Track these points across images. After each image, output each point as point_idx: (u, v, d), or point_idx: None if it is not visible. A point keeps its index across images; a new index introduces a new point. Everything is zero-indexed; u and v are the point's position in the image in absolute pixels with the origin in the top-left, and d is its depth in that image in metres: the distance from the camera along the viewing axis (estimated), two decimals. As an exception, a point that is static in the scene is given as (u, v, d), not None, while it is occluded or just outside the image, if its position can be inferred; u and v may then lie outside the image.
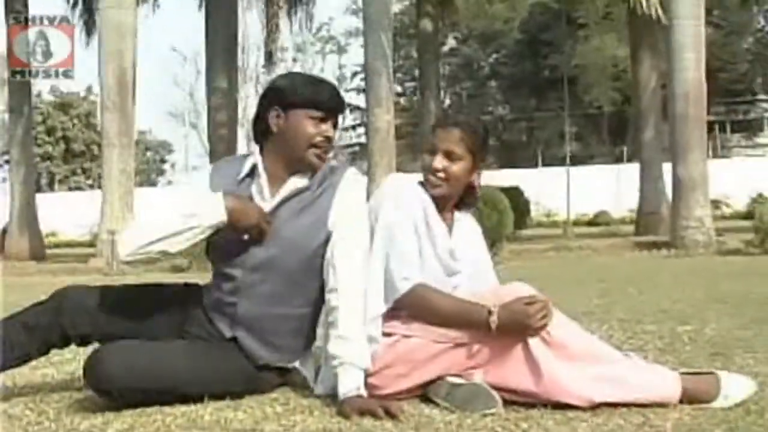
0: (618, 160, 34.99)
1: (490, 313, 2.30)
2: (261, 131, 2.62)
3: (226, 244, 2.50)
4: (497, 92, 48.38)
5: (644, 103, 16.89)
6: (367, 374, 2.35)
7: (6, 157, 29.92)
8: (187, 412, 2.32)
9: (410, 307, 2.43)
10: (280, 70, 44.85)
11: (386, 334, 2.43)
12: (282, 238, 2.49)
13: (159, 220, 2.47)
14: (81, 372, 2.46)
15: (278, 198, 2.54)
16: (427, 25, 18.55)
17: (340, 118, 2.62)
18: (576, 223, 25.99)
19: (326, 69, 43.76)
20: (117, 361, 2.33)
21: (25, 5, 16.60)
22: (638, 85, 17.14)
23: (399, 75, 43.76)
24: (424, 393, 2.44)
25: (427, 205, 2.59)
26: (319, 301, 2.54)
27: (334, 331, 2.38)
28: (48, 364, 3.18)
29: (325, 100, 2.54)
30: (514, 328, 2.29)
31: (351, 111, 45.26)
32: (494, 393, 2.28)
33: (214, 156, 15.61)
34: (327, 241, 2.51)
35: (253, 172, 2.59)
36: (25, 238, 17.38)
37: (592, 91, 38.25)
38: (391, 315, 2.45)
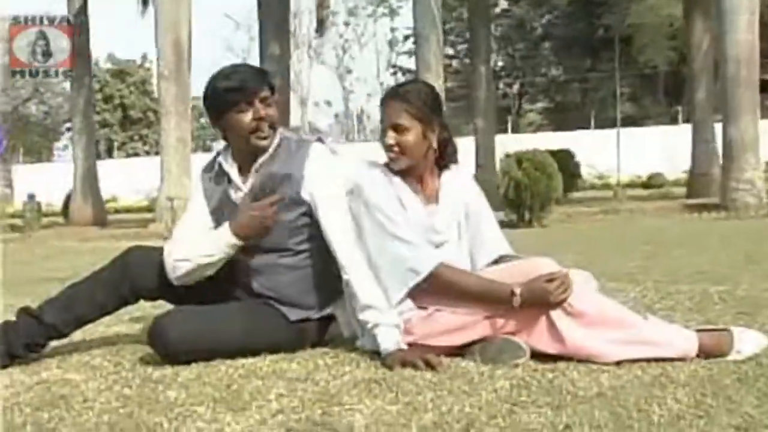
0: (674, 120, 34.52)
1: (513, 294, 2.47)
2: (222, 136, 2.89)
3: None
4: (550, 53, 47.69)
5: (696, 65, 16.68)
6: (410, 343, 2.58)
7: (69, 125, 30.69)
8: (246, 364, 2.59)
9: (436, 287, 2.61)
10: (332, 34, 45.16)
11: (420, 308, 2.64)
12: None
13: (192, 255, 2.77)
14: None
15: (249, 186, 2.81)
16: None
17: (267, 91, 2.77)
18: (630, 185, 25.78)
19: (378, 32, 43.76)
20: (176, 331, 2.63)
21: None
22: (690, 46, 16.92)
23: (451, 37, 43.49)
24: (460, 353, 2.63)
25: (396, 187, 2.74)
26: (318, 255, 2.78)
27: (356, 302, 2.63)
28: (119, 323, 3.48)
29: (241, 90, 2.72)
30: (537, 304, 2.47)
31: (404, 74, 45.25)
32: (523, 344, 2.48)
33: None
34: (305, 209, 2.77)
35: (222, 170, 2.86)
36: (87, 204, 17.93)
37: (647, 51, 37.58)
38: (420, 291, 2.63)
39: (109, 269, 2.84)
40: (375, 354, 2.60)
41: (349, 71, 49.11)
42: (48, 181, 29.58)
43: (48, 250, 10.64)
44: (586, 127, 36.00)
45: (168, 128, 13.12)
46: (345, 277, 2.68)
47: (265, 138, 2.77)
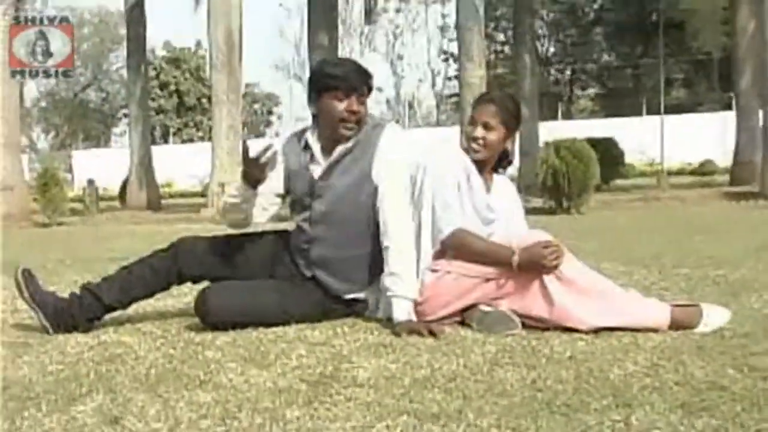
0: (727, 107, 34.17)
1: (513, 253, 2.86)
2: (312, 113, 3.24)
3: (298, 203, 3.18)
4: (602, 39, 47.39)
5: (741, 50, 16.67)
6: (418, 303, 2.96)
7: (126, 111, 31.57)
8: (275, 331, 2.99)
9: (451, 247, 3.03)
10: (383, 21, 45.50)
11: (433, 270, 3.04)
12: (334, 194, 3.14)
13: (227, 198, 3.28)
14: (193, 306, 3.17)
15: (328, 162, 3.17)
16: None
17: (365, 90, 3.13)
18: (680, 173, 25.72)
19: (429, 19, 43.99)
20: (219, 301, 3.05)
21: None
22: (736, 31, 16.91)
23: (503, 23, 43.53)
24: (462, 318, 3.03)
25: (468, 165, 3.16)
26: (376, 242, 3.11)
27: (387, 267, 2.99)
28: (168, 296, 3.90)
29: (344, 80, 3.08)
30: (532, 267, 2.85)
31: (455, 60, 45.41)
32: (516, 318, 2.86)
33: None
34: (374, 191, 3.09)
35: (308, 144, 3.23)
36: (143, 189, 18.64)
37: (700, 37, 37.19)
38: (437, 254, 3.08)
39: (160, 257, 3.26)
40: (387, 322, 2.99)
41: (401, 57, 49.43)
42: (106, 166, 30.48)
43: (105, 233, 11.22)
44: (638, 113, 35.82)
45: (219, 116, 13.62)
46: (385, 243, 3.00)
47: (350, 129, 3.12)
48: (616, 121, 32.05)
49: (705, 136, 30.05)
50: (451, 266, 3.02)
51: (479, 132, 3.16)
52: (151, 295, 3.29)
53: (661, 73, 25.84)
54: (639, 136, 28.32)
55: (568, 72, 49.12)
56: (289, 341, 2.83)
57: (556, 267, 2.83)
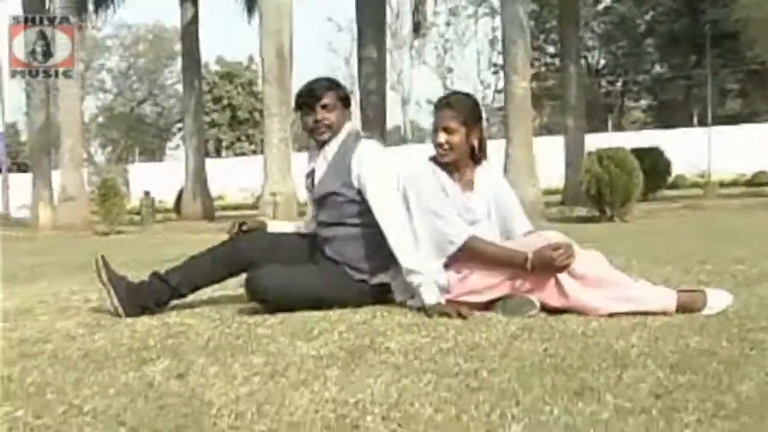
0: (786, 118, 33.73)
1: (526, 258, 3.13)
2: None
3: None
4: (654, 50, 47.12)
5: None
6: (450, 300, 3.27)
7: (180, 125, 32.35)
8: (320, 314, 3.31)
9: (468, 255, 3.30)
10: (432, 34, 45.91)
11: (457, 272, 3.33)
12: (321, 194, 3.60)
13: None
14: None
15: (313, 164, 3.70)
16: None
17: (330, 98, 3.57)
18: (733, 184, 25.49)
19: (479, 32, 44.20)
20: (267, 280, 3.43)
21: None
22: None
23: (553, 36, 43.53)
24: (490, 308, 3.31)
25: (440, 175, 3.44)
26: (372, 228, 3.44)
27: (400, 266, 3.34)
28: (223, 288, 4.24)
29: (307, 95, 3.59)
30: (545, 268, 3.11)
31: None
32: (536, 300, 3.14)
33: (365, 122, 16.66)
34: (355, 191, 3.51)
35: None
36: (197, 200, 19.19)
37: (755, 47, 36.76)
38: (456, 259, 3.33)
39: (222, 248, 3.65)
40: (421, 308, 3.29)
41: (450, 70, 49.71)
42: (161, 178, 31.22)
43: (162, 240, 11.69)
44: (690, 124, 35.60)
45: (271, 129, 14.01)
46: (389, 244, 3.37)
47: (322, 134, 3.58)
48: (665, 133, 31.86)
49: (759, 147, 29.65)
50: (472, 269, 3.30)
51: (442, 137, 3.42)
52: (212, 282, 3.70)
53: (708, 84, 25.68)
54: (689, 148, 28.19)
55: (620, 83, 48.90)
56: (333, 321, 3.16)
57: (567, 267, 3.09)
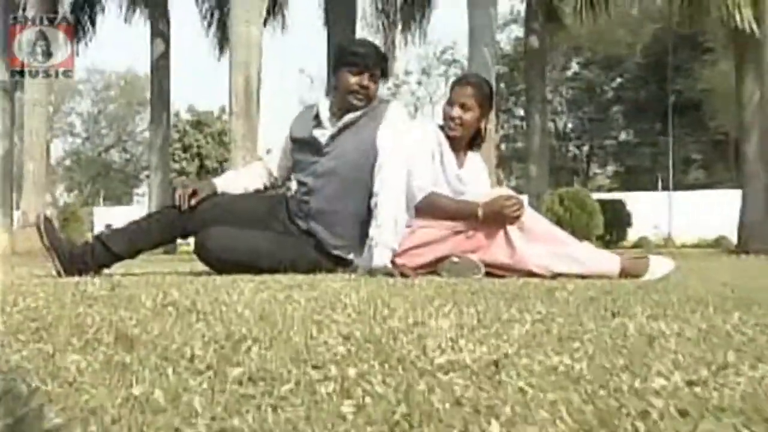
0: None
1: (478, 207, 3.14)
2: (333, 85, 3.63)
3: (302, 161, 3.46)
4: (620, 117, 48.04)
5: (746, 119, 16.85)
6: (396, 254, 3.22)
7: (148, 173, 32.23)
8: (273, 276, 3.22)
9: (425, 208, 3.33)
10: (404, 91, 46.58)
11: (408, 226, 3.33)
12: (341, 154, 3.46)
13: None
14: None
15: (337, 127, 3.53)
16: (533, 41, 18.78)
17: (378, 70, 3.53)
18: (697, 246, 25.77)
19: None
20: (216, 242, 3.36)
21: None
22: (740, 100, 17.15)
23: (523, 98, 44.23)
24: (435, 270, 3.30)
25: (442, 140, 3.49)
26: (367, 204, 3.41)
27: (374, 220, 3.27)
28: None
29: (360, 58, 3.51)
30: (496, 218, 3.11)
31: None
32: (480, 264, 3.13)
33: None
34: (375, 157, 3.40)
35: (318, 112, 3.59)
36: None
37: (718, 116, 37.59)
38: (410, 215, 3.34)
39: (165, 212, 3.60)
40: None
41: (420, 129, 50.23)
42: (127, 220, 30.87)
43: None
44: (655, 190, 36.17)
45: (236, 162, 13.95)
46: (374, 200, 3.31)
47: (359, 101, 3.51)
48: (629, 195, 32.27)
49: (719, 213, 30.13)
50: (424, 222, 3.32)
51: (456, 112, 3.47)
52: (155, 246, 3.61)
53: (670, 151, 26.08)
54: (652, 209, 28.59)
55: (586, 148, 49.64)
56: (287, 283, 3.07)
57: (517, 218, 3.10)
